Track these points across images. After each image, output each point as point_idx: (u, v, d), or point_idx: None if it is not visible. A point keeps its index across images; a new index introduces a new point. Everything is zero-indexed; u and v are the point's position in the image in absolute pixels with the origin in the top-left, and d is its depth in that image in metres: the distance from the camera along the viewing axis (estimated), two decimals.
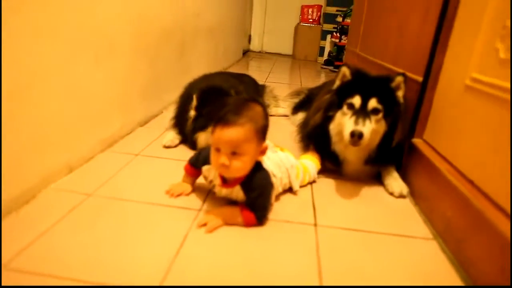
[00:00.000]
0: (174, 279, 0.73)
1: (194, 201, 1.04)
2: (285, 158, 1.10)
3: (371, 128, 1.08)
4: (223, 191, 0.98)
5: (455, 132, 1.01)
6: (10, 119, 0.86)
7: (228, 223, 0.92)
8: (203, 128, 1.31)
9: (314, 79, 3.46)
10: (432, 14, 1.18)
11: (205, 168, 1.00)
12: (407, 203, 1.15)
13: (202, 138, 1.33)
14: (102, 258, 0.77)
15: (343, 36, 4.15)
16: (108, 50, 1.28)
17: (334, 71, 3.89)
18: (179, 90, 1.64)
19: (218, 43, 3.05)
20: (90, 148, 1.24)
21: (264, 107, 0.93)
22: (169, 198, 1.04)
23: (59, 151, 1.07)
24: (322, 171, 1.28)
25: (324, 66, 4.39)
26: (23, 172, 0.94)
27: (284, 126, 1.80)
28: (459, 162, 0.97)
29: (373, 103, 1.10)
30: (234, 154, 0.86)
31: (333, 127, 1.20)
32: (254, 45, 5.40)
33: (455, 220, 0.90)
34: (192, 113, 1.34)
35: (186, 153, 1.35)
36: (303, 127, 1.55)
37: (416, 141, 1.20)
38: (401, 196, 1.16)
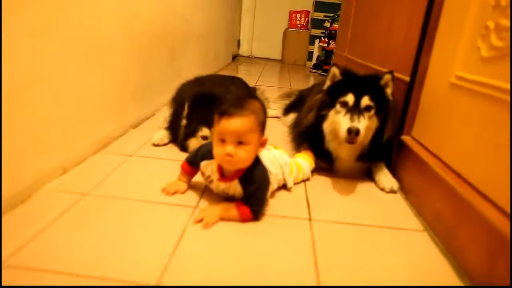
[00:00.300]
0: (173, 274, 0.74)
1: (190, 198, 1.05)
2: (279, 156, 1.12)
3: (366, 125, 1.12)
4: (220, 186, 0.99)
5: (442, 127, 1.05)
6: (7, 119, 0.87)
7: (224, 218, 0.94)
8: (192, 134, 1.34)
9: (303, 83, 3.51)
10: (417, 17, 1.23)
11: (203, 164, 1.01)
12: (398, 197, 1.18)
13: (193, 144, 1.35)
14: (100, 254, 0.78)
15: (331, 41, 4.23)
16: (101, 53, 1.29)
17: (323, 75, 3.96)
18: (170, 93, 1.66)
19: (208, 48, 3.08)
20: (83, 149, 1.24)
21: (262, 103, 0.96)
22: (165, 196, 1.05)
23: (53, 152, 1.07)
24: (315, 170, 1.31)
25: (313, 70, 4.47)
26: (18, 172, 0.94)
27: (276, 128, 1.83)
28: (447, 156, 1.01)
29: (366, 100, 1.14)
30: (239, 144, 0.89)
31: (326, 126, 1.23)
32: (243, 50, 5.45)
33: (444, 211, 0.94)
34: (184, 122, 1.36)
35: (180, 154, 1.37)
36: (295, 127, 1.58)
37: (405, 138, 1.24)
38: (392, 191, 1.20)
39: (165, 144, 1.47)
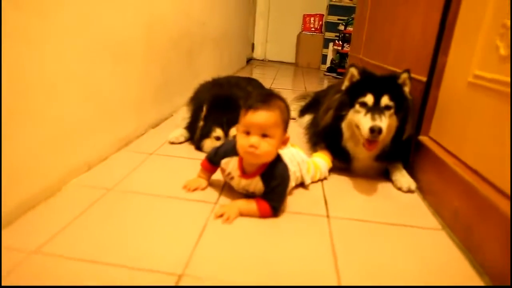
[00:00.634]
0: (197, 265, 0.77)
1: (210, 194, 1.08)
2: (296, 153, 1.15)
3: (387, 123, 1.13)
4: (242, 183, 1.01)
5: (459, 127, 1.06)
6: (38, 117, 0.91)
7: (244, 214, 0.96)
8: (207, 135, 1.38)
9: (317, 86, 3.52)
10: (433, 17, 1.24)
11: (224, 161, 1.04)
12: (415, 197, 1.19)
13: (207, 144, 1.39)
14: (126, 244, 0.81)
15: (345, 44, 4.23)
16: (125, 54, 1.34)
17: (338, 78, 3.96)
18: (188, 95, 1.71)
19: (223, 51, 3.13)
20: (107, 147, 1.29)
21: (286, 102, 0.99)
22: (186, 192, 1.08)
23: (79, 149, 1.12)
24: (332, 169, 1.32)
25: (327, 73, 4.47)
26: (48, 168, 0.98)
27: (292, 128, 1.81)
28: (465, 154, 1.01)
29: (385, 100, 1.16)
30: (263, 136, 0.91)
31: (345, 126, 1.25)
32: (257, 53, 5.49)
33: (462, 209, 0.94)
34: (201, 123, 1.40)
35: (198, 153, 1.41)
36: (311, 127, 1.60)
37: (423, 138, 1.25)
38: (409, 191, 1.20)
39: (180, 143, 1.51)
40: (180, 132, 1.53)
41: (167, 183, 1.13)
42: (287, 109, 0.98)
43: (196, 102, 1.56)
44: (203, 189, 1.11)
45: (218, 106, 1.39)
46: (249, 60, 5.09)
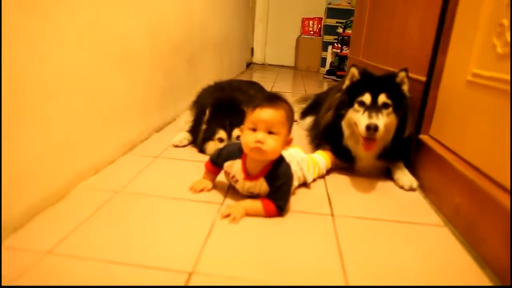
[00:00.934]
0: (206, 263, 0.78)
1: (216, 196, 1.10)
2: (295, 153, 1.17)
3: (384, 121, 1.16)
4: (246, 185, 1.03)
5: (459, 124, 1.08)
6: (45, 122, 0.94)
7: (249, 214, 0.98)
8: (210, 138, 1.40)
9: (317, 88, 3.55)
10: (432, 18, 1.27)
11: (227, 164, 1.06)
12: (417, 195, 1.21)
13: (210, 146, 1.41)
14: (136, 244, 0.83)
15: (344, 47, 4.27)
16: (129, 61, 1.36)
17: (337, 80, 3.99)
18: (190, 99, 1.74)
19: (223, 56, 3.16)
20: (113, 151, 1.31)
21: (290, 105, 1.02)
22: (192, 193, 1.10)
23: (86, 153, 1.14)
24: (335, 169, 1.34)
25: (327, 76, 4.50)
26: (56, 172, 1.00)
27: (293, 130, 1.84)
28: (465, 151, 1.03)
29: (382, 98, 1.18)
30: (269, 133, 0.94)
31: (345, 124, 1.27)
32: (257, 58, 5.53)
33: (464, 205, 0.96)
34: (204, 126, 1.43)
35: (201, 156, 1.42)
36: (313, 129, 1.62)
37: (423, 137, 1.27)
38: (411, 189, 1.22)
39: (184, 146, 1.53)
40: (184, 136, 1.56)
41: (173, 185, 1.15)
42: (291, 111, 1.01)
43: (198, 106, 1.59)
44: (209, 190, 1.12)
45: (221, 109, 1.42)
46: (249, 65, 5.13)
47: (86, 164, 1.14)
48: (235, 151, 1.04)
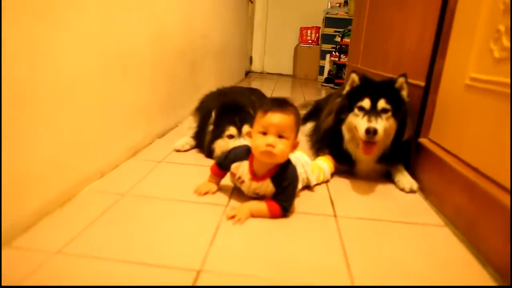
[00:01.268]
0: (213, 262, 0.80)
1: (221, 198, 1.12)
2: (300, 156, 1.20)
3: (383, 125, 1.18)
4: (252, 186, 1.05)
5: (458, 127, 1.10)
6: (52, 127, 0.95)
7: (254, 215, 1.00)
8: (219, 135, 1.42)
9: (316, 96, 3.59)
10: (430, 24, 1.31)
11: (234, 166, 1.08)
12: (418, 197, 1.23)
13: (219, 144, 1.42)
14: (143, 244, 0.84)
15: (342, 55, 4.33)
16: (134, 67, 1.39)
17: (335, 88, 4.04)
18: (191, 105, 1.76)
19: (223, 64, 3.20)
20: (118, 155, 1.32)
21: (297, 110, 1.04)
22: (197, 196, 1.11)
23: (92, 157, 1.16)
24: (336, 172, 1.37)
25: (325, 84, 4.56)
26: (62, 175, 1.02)
27: None
28: (464, 153, 1.05)
29: (382, 103, 1.21)
30: (279, 137, 0.96)
31: (345, 128, 1.30)
32: (256, 66, 5.59)
33: (464, 205, 0.98)
34: (211, 127, 1.45)
35: (205, 160, 1.44)
36: (314, 134, 1.65)
37: (423, 140, 1.30)
38: (412, 191, 1.24)
39: (186, 150, 1.56)
40: (186, 140, 1.57)
41: (178, 188, 1.16)
42: (299, 115, 1.04)
43: (203, 111, 1.61)
44: (214, 193, 1.14)
45: (227, 110, 1.45)
46: (248, 73, 5.18)
47: (92, 168, 1.16)
48: (242, 153, 1.06)
